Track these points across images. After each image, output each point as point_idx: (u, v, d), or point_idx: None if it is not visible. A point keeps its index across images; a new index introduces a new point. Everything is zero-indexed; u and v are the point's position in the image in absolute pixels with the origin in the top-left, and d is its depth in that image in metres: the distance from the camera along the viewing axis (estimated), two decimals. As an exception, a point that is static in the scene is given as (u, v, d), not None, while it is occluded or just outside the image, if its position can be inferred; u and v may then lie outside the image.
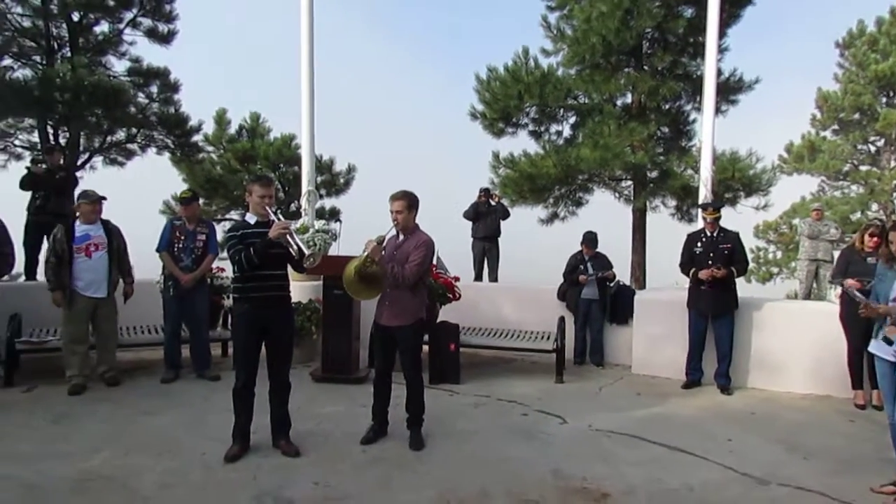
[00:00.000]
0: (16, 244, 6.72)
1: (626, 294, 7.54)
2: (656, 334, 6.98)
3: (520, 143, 12.78)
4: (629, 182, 12.57)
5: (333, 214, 16.16)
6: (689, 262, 6.56)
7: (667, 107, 12.44)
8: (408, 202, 4.57)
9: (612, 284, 7.55)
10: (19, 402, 5.56)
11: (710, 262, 6.34)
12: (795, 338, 6.38)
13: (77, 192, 8.83)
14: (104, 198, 6.12)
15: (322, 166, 15.87)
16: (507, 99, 12.07)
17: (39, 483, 3.85)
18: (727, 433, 5.05)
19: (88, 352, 6.12)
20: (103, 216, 6.16)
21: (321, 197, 15.61)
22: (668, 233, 12.34)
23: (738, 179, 11.40)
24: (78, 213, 6.07)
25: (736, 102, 12.31)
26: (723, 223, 6.58)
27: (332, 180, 16.56)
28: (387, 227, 4.58)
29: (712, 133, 7.58)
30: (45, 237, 7.83)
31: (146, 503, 3.63)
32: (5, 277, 6.90)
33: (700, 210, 6.83)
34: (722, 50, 11.21)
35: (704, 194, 7.48)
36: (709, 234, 6.51)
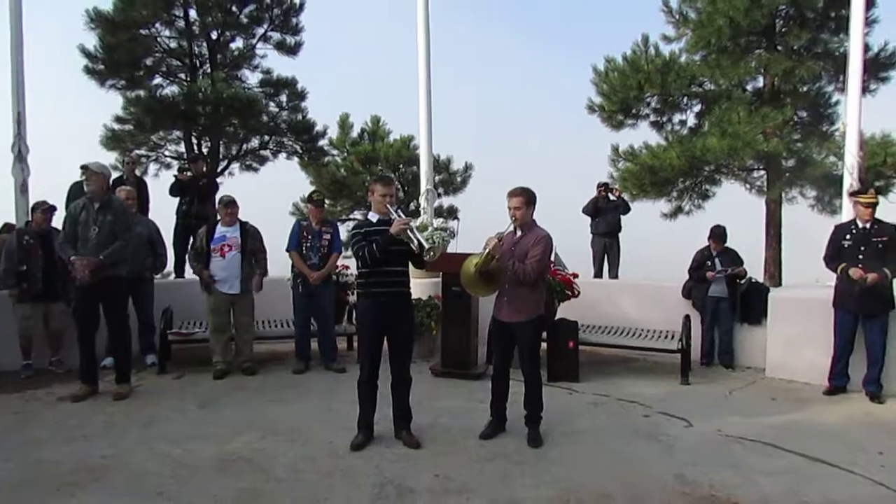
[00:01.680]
0: (167, 245, 7.45)
1: (759, 292, 7.06)
2: (794, 335, 6.49)
3: (640, 135, 12.41)
4: (762, 172, 11.83)
5: (451, 213, 16.42)
6: (836, 256, 5.99)
7: (804, 89, 11.57)
8: (526, 198, 4.57)
9: (742, 282, 7.12)
10: (171, 388, 6.12)
11: (859, 256, 5.78)
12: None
13: (217, 196, 9.64)
14: (234, 201, 6.61)
15: (440, 165, 16.16)
16: (626, 90, 11.75)
17: (188, 461, 4.22)
18: (877, 445, 4.60)
19: (230, 341, 6.64)
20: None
21: (439, 196, 15.91)
22: (807, 226, 11.49)
23: (890, 165, 10.38)
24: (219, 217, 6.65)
25: (887, 80, 11.24)
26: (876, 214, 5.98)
27: (450, 179, 16.82)
28: (504, 224, 4.61)
29: (859, 115, 6.92)
30: (191, 238, 8.58)
31: (280, 485, 3.88)
32: (158, 275, 7.63)
33: (851, 197, 6.19)
34: (870, 22, 10.22)
35: (850, 183, 6.85)
36: (860, 225, 5.88)
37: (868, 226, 5.86)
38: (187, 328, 7.01)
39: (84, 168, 5.60)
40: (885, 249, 5.76)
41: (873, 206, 5.86)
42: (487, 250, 4.45)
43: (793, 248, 11.52)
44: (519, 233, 4.62)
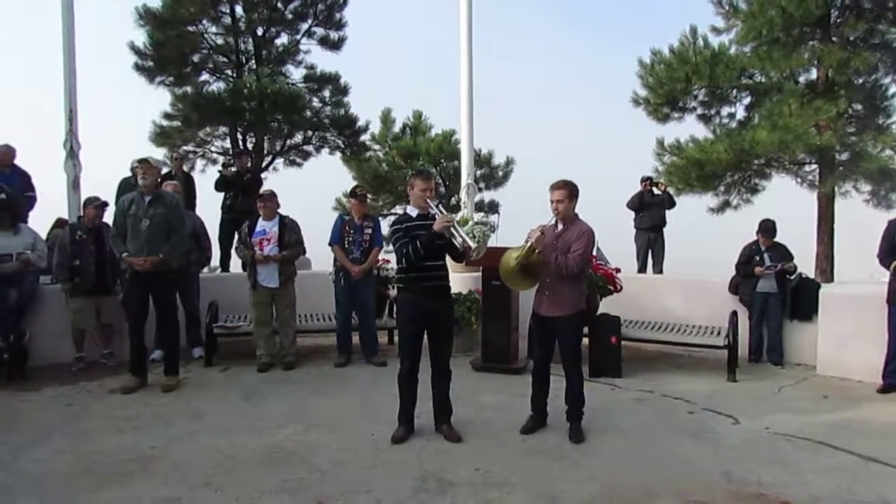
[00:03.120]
0: (212, 240, 7.60)
1: (810, 287, 6.86)
2: (846, 332, 6.28)
3: (686, 129, 12.09)
4: (814, 165, 11.44)
5: (493, 207, 16.37)
6: (890, 252, 5.82)
7: (860, 81, 11.13)
8: (568, 191, 4.51)
9: (792, 277, 6.92)
10: (217, 380, 6.25)
11: (914, 252, 5.60)
12: None
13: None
14: (272, 195, 6.68)
15: (481, 160, 16.10)
16: (673, 82, 11.46)
17: (234, 453, 4.31)
18: (935, 445, 4.43)
19: (273, 334, 6.74)
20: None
21: (480, 190, 15.86)
22: (861, 221, 11.08)
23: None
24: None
25: (947, 71, 10.75)
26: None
27: (491, 174, 16.77)
28: (546, 218, 4.56)
29: (916, 106, 6.68)
30: (236, 233, 8.73)
31: (323, 476, 3.92)
32: (205, 269, 7.79)
33: None
34: (930, 12, 9.82)
35: (906, 176, 6.61)
36: (914, 219, 5.73)
37: (925, 220, 5.67)
38: (232, 322, 7.13)
39: (143, 161, 5.74)
40: None
41: None
42: (529, 243, 4.41)
43: (846, 244, 11.14)
44: (561, 226, 4.56)
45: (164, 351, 6.15)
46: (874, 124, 11.11)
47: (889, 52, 10.60)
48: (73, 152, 7.39)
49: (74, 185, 7.41)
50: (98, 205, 6.60)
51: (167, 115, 13.78)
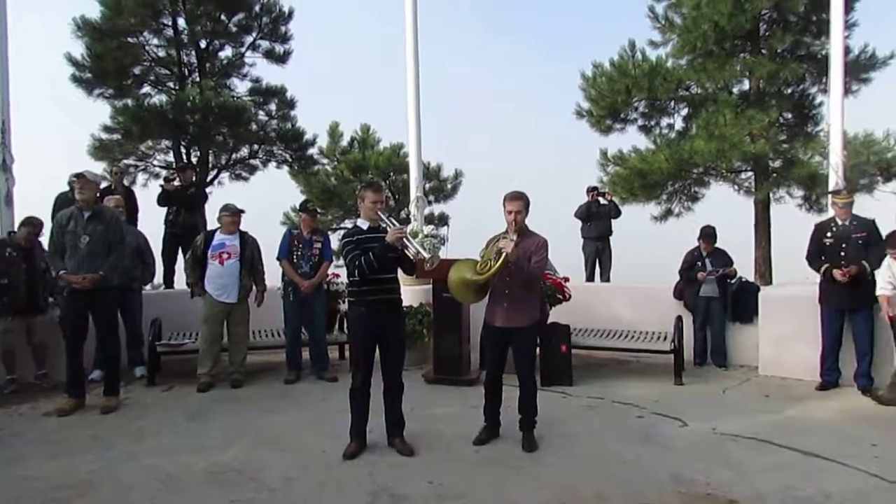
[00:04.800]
0: (156, 256, 7.36)
1: (750, 290, 7.10)
2: (785, 332, 6.52)
3: (628, 140, 12.45)
4: (749, 173, 11.91)
5: (442, 220, 16.39)
6: (818, 254, 6.08)
7: (789, 91, 11.72)
8: (525, 202, 4.55)
9: (733, 281, 7.15)
10: (160, 400, 6.04)
11: (841, 253, 5.86)
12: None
13: (207, 205, 9.57)
14: (243, 211, 6.57)
15: (430, 173, 16.15)
16: (614, 95, 11.79)
17: (178, 474, 4.15)
18: (871, 438, 4.63)
19: (220, 353, 6.54)
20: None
21: (430, 203, 15.87)
22: (795, 225, 11.57)
23: (874, 164, 10.50)
24: (219, 224, 6.55)
25: (868, 81, 11.41)
26: (859, 212, 6.06)
27: (440, 186, 16.82)
28: (492, 228, 4.59)
29: (841, 116, 7.00)
30: (179, 248, 8.50)
31: (272, 495, 3.82)
32: (148, 286, 7.54)
33: (830, 196, 6.32)
34: (849, 26, 10.46)
35: (835, 181, 6.92)
36: (840, 222, 6.00)
37: (848, 222, 5.97)
38: (176, 339, 6.92)
39: (78, 176, 5.52)
40: (865, 245, 5.86)
41: (849, 205, 6.00)
42: (504, 255, 4.29)
43: (782, 247, 11.61)
44: (515, 237, 4.57)
45: (104, 370, 5.91)
46: (803, 132, 11.67)
47: (814, 63, 11.16)
48: (5, 166, 7.05)
49: (7, 200, 7.06)
50: (32, 227, 6.32)
51: (107, 128, 13.36)
